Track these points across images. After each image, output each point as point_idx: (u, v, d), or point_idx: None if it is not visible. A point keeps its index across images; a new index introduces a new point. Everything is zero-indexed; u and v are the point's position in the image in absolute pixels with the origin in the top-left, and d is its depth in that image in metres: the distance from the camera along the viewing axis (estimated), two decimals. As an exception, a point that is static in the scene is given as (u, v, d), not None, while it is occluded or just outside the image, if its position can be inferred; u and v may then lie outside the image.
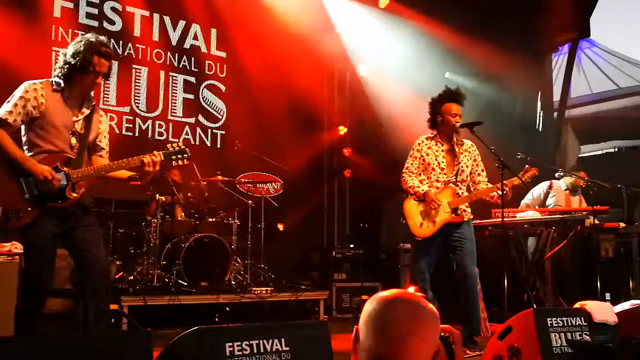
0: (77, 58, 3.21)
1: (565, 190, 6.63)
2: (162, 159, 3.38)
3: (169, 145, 3.47)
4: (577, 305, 3.45)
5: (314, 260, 7.73)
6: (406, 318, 1.36)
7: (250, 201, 6.58)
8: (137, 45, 7.28)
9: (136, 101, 7.17)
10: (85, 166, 3.30)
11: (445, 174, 4.49)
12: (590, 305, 3.39)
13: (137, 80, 7.26)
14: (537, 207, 6.44)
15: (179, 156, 3.45)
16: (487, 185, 4.57)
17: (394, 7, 8.52)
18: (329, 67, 9.09)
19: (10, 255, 4.20)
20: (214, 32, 7.99)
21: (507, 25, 8.81)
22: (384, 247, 7.92)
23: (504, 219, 5.18)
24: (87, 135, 3.33)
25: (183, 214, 6.11)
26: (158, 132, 7.38)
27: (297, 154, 8.01)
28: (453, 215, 4.44)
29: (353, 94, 9.21)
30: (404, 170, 4.55)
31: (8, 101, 3.19)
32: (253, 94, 7.97)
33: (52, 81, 3.27)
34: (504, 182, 4.36)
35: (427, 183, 4.49)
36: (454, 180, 4.49)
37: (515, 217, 5.92)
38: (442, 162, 4.50)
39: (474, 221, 4.67)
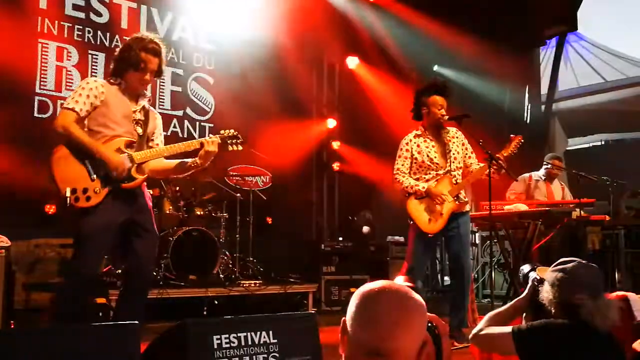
0: (125, 55, 3.34)
1: (545, 180, 6.76)
2: (220, 141, 3.47)
3: (222, 131, 3.57)
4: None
5: (302, 254, 7.73)
6: (393, 309, 1.36)
7: (238, 194, 6.55)
8: (124, 37, 7.18)
9: (123, 94, 7.14)
10: None
11: (440, 167, 4.46)
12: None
13: (124, 73, 7.20)
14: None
15: (233, 141, 3.54)
16: (478, 165, 4.54)
17: (383, 1, 8.53)
18: (318, 60, 9.08)
19: (-4, 249, 4.19)
20: (202, 24, 7.94)
21: (495, 18, 8.86)
22: (372, 240, 7.92)
23: (492, 212, 5.22)
24: (147, 124, 3.43)
25: (171, 207, 6.08)
26: (146, 124, 7.34)
27: (286, 147, 7.98)
28: (457, 202, 4.41)
29: (342, 86, 9.21)
30: (395, 172, 4.47)
31: (70, 96, 3.30)
32: (241, 86, 7.95)
33: (109, 79, 3.41)
34: (497, 154, 4.35)
35: (424, 180, 4.46)
36: (449, 169, 4.46)
37: (503, 209, 5.97)
38: (435, 157, 4.45)
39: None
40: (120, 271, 4.95)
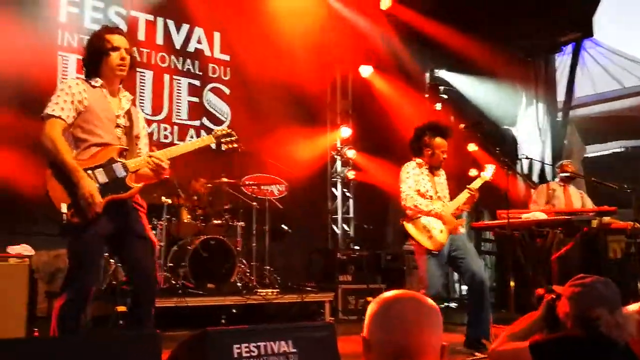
0: (90, 47, 3.22)
1: (561, 185, 6.71)
2: (214, 141, 3.42)
3: (215, 129, 3.50)
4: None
5: (318, 262, 7.75)
6: (411, 311, 1.45)
7: (255, 203, 6.60)
8: (141, 49, 7.31)
9: (141, 104, 7.21)
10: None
11: (435, 198, 4.58)
12: None
13: (141, 84, 7.30)
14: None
15: (227, 139, 3.47)
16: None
17: (396, 9, 8.57)
18: (331, 69, 9.11)
19: (20, 258, 4.27)
20: (217, 35, 8.04)
21: (509, 25, 8.85)
22: (388, 249, 7.92)
23: (510, 220, 5.22)
24: (131, 127, 3.28)
25: (189, 216, 6.15)
26: (163, 134, 7.42)
27: (302, 156, 8.04)
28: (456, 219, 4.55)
29: (356, 94, 9.24)
30: (404, 192, 4.50)
31: (54, 100, 3.08)
32: (256, 96, 8.02)
33: (86, 80, 3.22)
34: (469, 187, 4.56)
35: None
36: (440, 196, 4.61)
37: (521, 218, 5.95)
38: (430, 189, 4.58)
39: (478, 222, 4.73)
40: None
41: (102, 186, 3.05)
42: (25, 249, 4.55)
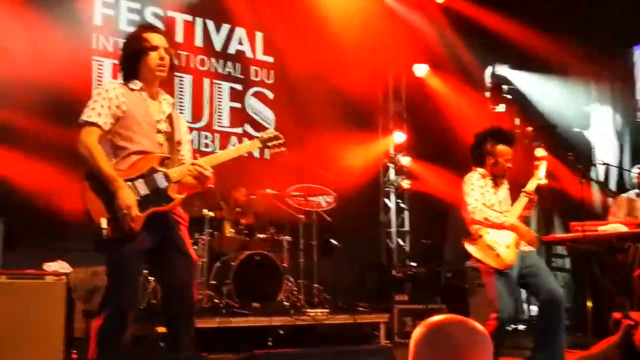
0: (127, 49, 3.26)
1: (637, 194, 6.46)
2: (260, 145, 3.44)
3: (261, 133, 3.49)
4: None
5: (372, 280, 7.70)
6: (461, 336, 1.48)
7: (301, 216, 6.63)
8: (179, 51, 7.46)
9: (180, 111, 7.34)
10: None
11: (500, 212, 4.48)
12: None
13: (180, 89, 7.44)
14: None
15: (274, 142, 3.46)
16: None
17: (453, 1, 8.50)
18: (383, 69, 9.11)
19: (57, 276, 4.38)
20: (259, 35, 8.14)
21: (580, 15, 8.65)
22: (449, 265, 7.81)
23: (585, 233, 5.07)
24: (173, 133, 3.30)
25: (232, 230, 6.21)
26: (204, 143, 7.54)
27: (352, 164, 8.04)
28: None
29: (410, 96, 9.22)
30: (473, 206, 4.41)
31: (90, 106, 3.12)
32: (302, 100, 8.08)
33: (124, 83, 3.26)
34: (525, 190, 4.42)
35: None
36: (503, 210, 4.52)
37: (597, 230, 5.77)
38: (496, 203, 4.48)
39: (548, 235, 4.63)
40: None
41: (143, 198, 3.05)
42: (62, 266, 4.66)
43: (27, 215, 5.79)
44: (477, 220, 4.39)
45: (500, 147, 4.48)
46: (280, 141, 3.49)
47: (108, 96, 3.12)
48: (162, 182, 3.12)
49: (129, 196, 2.99)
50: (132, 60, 3.24)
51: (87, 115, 3.08)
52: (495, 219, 4.37)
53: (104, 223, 2.94)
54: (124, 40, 3.36)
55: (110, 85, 3.21)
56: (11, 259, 5.17)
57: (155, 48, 3.20)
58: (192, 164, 3.23)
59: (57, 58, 6.34)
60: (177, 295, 3.18)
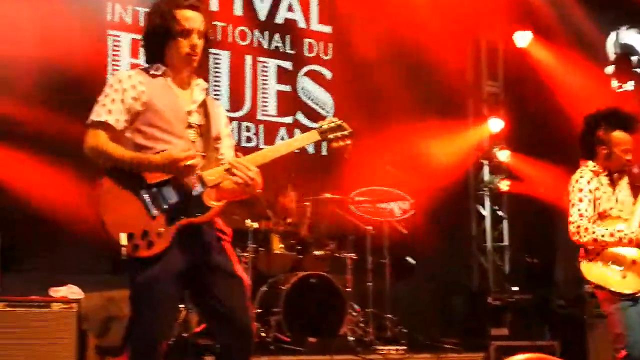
0: (154, 25, 3.22)
1: None
2: (319, 137, 3.38)
3: (320, 123, 3.43)
4: None
5: (459, 309, 7.63)
6: None
7: (369, 227, 6.61)
8: (215, 23, 7.52)
9: (216, 96, 7.42)
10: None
11: (621, 217, 4.40)
12: None
13: (216, 69, 7.53)
14: None
15: (337, 134, 3.39)
16: None
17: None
18: (474, 39, 9.06)
19: (66, 303, 4.47)
20: (314, 0, 8.14)
21: None
22: (561, 290, 7.67)
23: None
24: (208, 126, 3.31)
25: (281, 245, 6.22)
26: (245, 136, 7.63)
27: (433, 161, 7.97)
28: None
29: (509, 73, 9.15)
30: (577, 224, 4.34)
31: (100, 101, 3.14)
32: (369, 80, 8.06)
33: (145, 68, 3.27)
34: None
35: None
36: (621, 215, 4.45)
37: None
38: (615, 205, 4.42)
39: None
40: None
41: (172, 208, 3.06)
42: (71, 291, 4.75)
43: (28, 228, 5.94)
44: (584, 242, 4.31)
45: (617, 134, 4.42)
46: (345, 132, 3.39)
47: (122, 87, 3.13)
48: (195, 188, 3.13)
49: (170, 151, 3.03)
50: (156, 41, 3.23)
51: (96, 113, 3.10)
52: (608, 237, 4.26)
53: (123, 239, 2.93)
54: (149, 12, 3.33)
55: (125, 74, 3.22)
56: (11, 282, 5.30)
57: (188, 33, 3.17)
58: (233, 164, 3.23)
59: (63, 35, 6.36)
60: (232, 330, 3.16)
